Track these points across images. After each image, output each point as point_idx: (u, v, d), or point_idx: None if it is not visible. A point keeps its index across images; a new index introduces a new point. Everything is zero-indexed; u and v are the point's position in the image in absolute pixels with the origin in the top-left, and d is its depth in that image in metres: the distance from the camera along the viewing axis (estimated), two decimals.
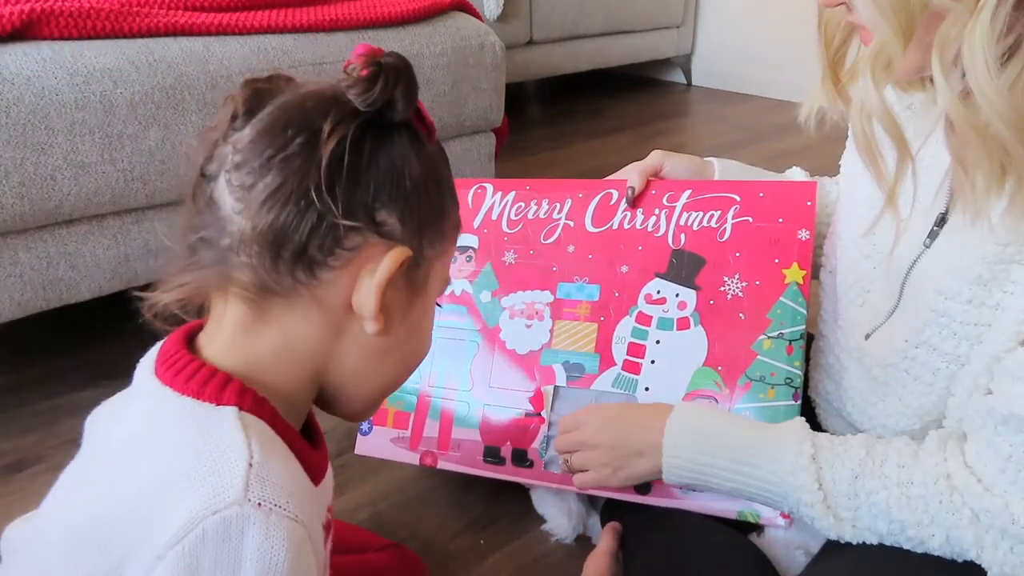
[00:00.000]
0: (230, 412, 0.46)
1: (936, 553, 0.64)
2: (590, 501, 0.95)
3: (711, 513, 0.79)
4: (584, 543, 0.94)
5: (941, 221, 0.67)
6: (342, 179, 0.47)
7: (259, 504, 0.43)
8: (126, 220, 1.23)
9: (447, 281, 0.58)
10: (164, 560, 0.42)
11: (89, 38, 1.19)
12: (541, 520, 0.96)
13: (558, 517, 0.94)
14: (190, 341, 0.52)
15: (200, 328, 0.52)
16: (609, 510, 0.89)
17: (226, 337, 0.50)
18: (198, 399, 0.47)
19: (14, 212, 1.10)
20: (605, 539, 0.85)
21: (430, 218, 0.52)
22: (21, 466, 1.09)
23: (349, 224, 0.47)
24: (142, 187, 1.21)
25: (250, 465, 0.44)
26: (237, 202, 0.47)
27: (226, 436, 0.45)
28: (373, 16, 1.47)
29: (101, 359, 1.30)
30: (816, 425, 0.81)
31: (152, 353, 0.52)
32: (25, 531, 0.53)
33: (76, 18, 1.18)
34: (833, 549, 0.73)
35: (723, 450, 0.71)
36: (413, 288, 0.53)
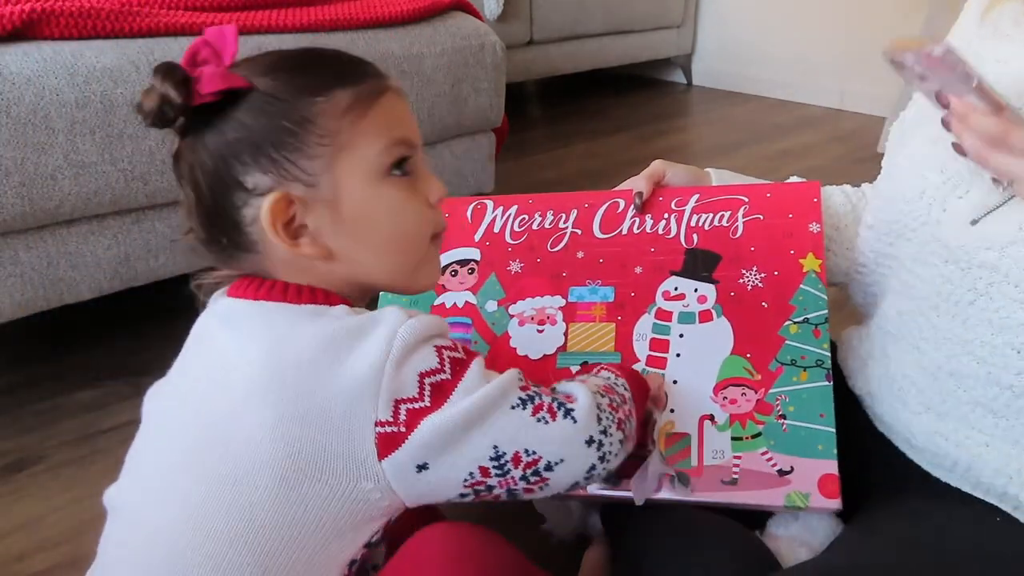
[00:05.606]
0: (341, 308, 0.58)
1: None
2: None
3: (757, 504, 0.75)
4: (584, 543, 0.94)
5: None
6: (205, 186, 0.56)
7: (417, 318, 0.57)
8: (126, 220, 1.23)
9: (388, 146, 0.59)
10: (384, 374, 0.53)
11: (89, 38, 1.19)
12: (541, 520, 0.96)
13: (558, 517, 0.94)
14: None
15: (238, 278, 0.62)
16: (609, 509, 0.89)
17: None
18: (314, 303, 0.58)
19: (14, 212, 1.10)
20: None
21: (292, 148, 0.56)
22: (21, 466, 1.08)
23: (235, 206, 0.56)
24: (143, 187, 1.21)
25: (390, 315, 0.56)
26: None
27: (354, 315, 0.57)
28: (373, 16, 1.47)
29: (101, 359, 1.28)
30: (860, 416, 0.81)
31: (221, 303, 0.60)
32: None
33: (76, 18, 1.18)
34: (837, 546, 0.73)
35: None
36: (324, 200, 0.57)
